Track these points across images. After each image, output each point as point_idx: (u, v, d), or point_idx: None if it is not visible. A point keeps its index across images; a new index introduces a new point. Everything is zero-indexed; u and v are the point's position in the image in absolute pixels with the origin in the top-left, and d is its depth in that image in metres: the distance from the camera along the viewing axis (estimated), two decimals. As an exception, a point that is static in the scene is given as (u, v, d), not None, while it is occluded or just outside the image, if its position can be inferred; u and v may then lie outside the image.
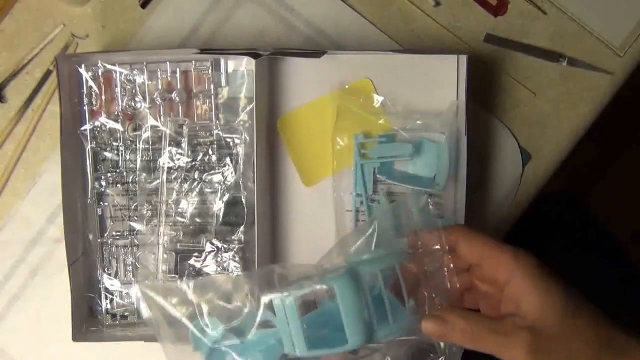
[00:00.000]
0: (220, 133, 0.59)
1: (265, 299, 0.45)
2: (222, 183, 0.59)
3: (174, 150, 0.59)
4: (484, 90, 0.62)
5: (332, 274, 0.45)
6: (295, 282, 0.46)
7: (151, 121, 0.59)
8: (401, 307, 0.45)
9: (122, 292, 0.60)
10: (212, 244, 0.59)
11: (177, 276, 0.60)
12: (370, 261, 0.46)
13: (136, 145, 0.59)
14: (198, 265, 0.60)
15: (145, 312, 0.49)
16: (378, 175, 0.59)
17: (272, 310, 0.45)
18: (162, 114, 0.59)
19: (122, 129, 0.59)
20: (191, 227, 0.59)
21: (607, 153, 1.24)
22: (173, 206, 0.59)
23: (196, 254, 0.60)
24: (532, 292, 0.41)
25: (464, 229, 0.46)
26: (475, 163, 0.60)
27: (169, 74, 0.59)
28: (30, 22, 0.62)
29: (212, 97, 0.59)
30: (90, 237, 0.59)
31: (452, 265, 0.46)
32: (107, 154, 0.59)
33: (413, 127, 0.58)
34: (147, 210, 0.59)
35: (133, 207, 0.60)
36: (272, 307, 0.45)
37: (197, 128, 0.59)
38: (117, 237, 0.60)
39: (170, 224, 0.59)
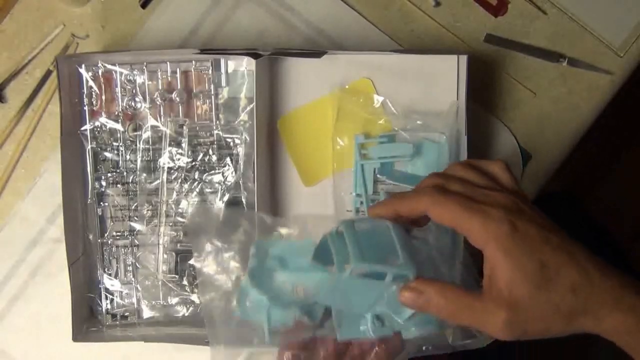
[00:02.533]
0: (220, 133, 0.59)
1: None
2: (222, 183, 0.59)
3: (174, 150, 0.59)
4: (484, 90, 0.62)
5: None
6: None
7: (151, 121, 0.59)
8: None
9: (122, 292, 0.60)
10: (212, 243, 0.59)
11: (177, 276, 0.60)
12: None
13: (136, 145, 0.59)
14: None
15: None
16: (378, 175, 0.59)
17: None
18: (162, 114, 0.59)
19: (122, 129, 0.59)
20: (191, 227, 0.60)
21: (607, 153, 1.24)
22: (173, 206, 0.59)
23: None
24: (503, 264, 0.38)
25: (433, 196, 0.41)
26: (475, 163, 0.60)
27: (169, 74, 0.59)
28: (30, 22, 0.62)
29: (212, 97, 0.59)
30: (90, 237, 0.59)
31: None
32: (107, 154, 0.59)
33: (413, 127, 0.58)
34: (147, 210, 0.59)
35: (133, 207, 0.60)
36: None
37: (197, 128, 0.59)
38: (117, 237, 0.60)
39: (170, 224, 0.59)
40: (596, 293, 0.39)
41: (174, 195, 0.59)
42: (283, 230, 0.47)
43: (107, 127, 0.59)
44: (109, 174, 0.59)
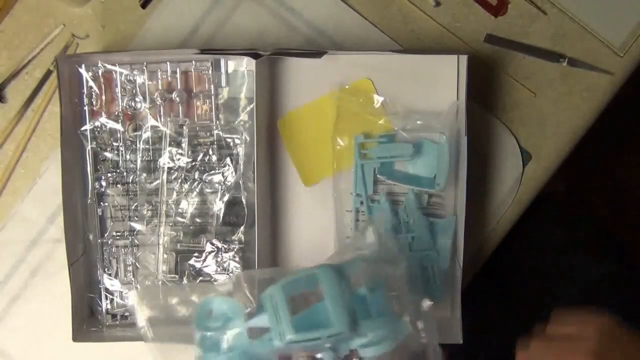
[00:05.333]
0: (220, 133, 0.59)
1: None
2: (222, 183, 0.59)
3: (174, 150, 0.59)
4: (484, 90, 0.62)
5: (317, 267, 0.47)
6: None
7: (151, 121, 0.59)
8: (386, 309, 0.47)
9: (122, 292, 0.60)
10: (212, 244, 0.59)
11: (177, 276, 0.60)
12: (353, 264, 0.48)
13: (136, 145, 0.59)
14: (198, 265, 0.60)
15: (141, 313, 0.50)
16: (378, 175, 0.59)
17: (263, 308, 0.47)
18: (162, 114, 0.59)
19: (122, 129, 0.59)
20: (191, 227, 0.59)
21: (607, 153, 1.24)
22: (173, 206, 0.59)
23: (196, 254, 0.60)
24: None
25: None
26: (475, 163, 0.60)
27: (169, 74, 0.59)
28: (30, 22, 0.62)
29: (212, 97, 0.59)
30: (90, 237, 0.59)
31: None
32: (107, 154, 0.59)
33: (413, 127, 0.58)
34: (147, 210, 0.59)
35: (133, 207, 0.60)
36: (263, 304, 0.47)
37: (197, 128, 0.59)
38: (117, 237, 0.60)
39: (170, 224, 0.59)
40: None
41: (174, 195, 0.59)
42: (223, 288, 0.52)
43: (107, 127, 0.59)
44: (109, 174, 0.59)
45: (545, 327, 0.54)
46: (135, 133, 0.59)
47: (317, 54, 0.57)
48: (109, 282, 0.60)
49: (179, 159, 0.59)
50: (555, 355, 0.51)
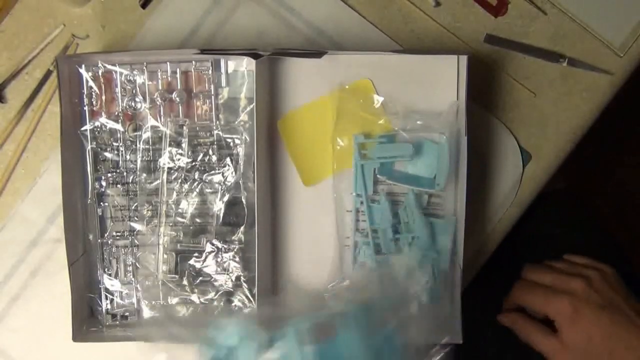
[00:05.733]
0: (220, 133, 0.59)
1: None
2: (222, 183, 0.59)
3: (174, 150, 0.59)
4: (484, 90, 0.62)
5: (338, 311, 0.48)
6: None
7: (151, 121, 0.59)
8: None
9: (122, 292, 0.60)
10: (212, 244, 0.59)
11: (177, 276, 0.60)
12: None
13: (136, 145, 0.59)
14: (198, 265, 0.60)
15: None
16: (378, 175, 0.59)
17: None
18: (162, 114, 0.59)
19: (122, 129, 0.59)
20: (191, 227, 0.59)
21: (607, 153, 1.24)
22: (173, 206, 0.59)
23: (196, 254, 0.60)
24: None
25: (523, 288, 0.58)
26: (475, 163, 0.60)
27: (169, 74, 0.59)
28: (30, 22, 0.62)
29: (212, 97, 0.59)
30: (90, 237, 0.59)
31: None
32: (107, 154, 0.59)
33: (413, 127, 0.58)
34: (147, 210, 0.59)
35: (133, 207, 0.60)
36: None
37: (197, 128, 0.59)
38: (117, 237, 0.60)
39: (170, 224, 0.59)
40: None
41: (174, 196, 0.59)
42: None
43: (107, 127, 0.59)
44: (109, 174, 0.59)
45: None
46: (135, 133, 0.59)
47: (317, 54, 0.57)
48: (109, 282, 0.60)
49: (179, 159, 0.59)
50: (553, 279, 0.56)
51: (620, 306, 0.53)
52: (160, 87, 0.59)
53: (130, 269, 0.60)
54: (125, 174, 0.59)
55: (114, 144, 0.59)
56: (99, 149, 0.59)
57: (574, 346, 0.53)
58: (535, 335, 0.55)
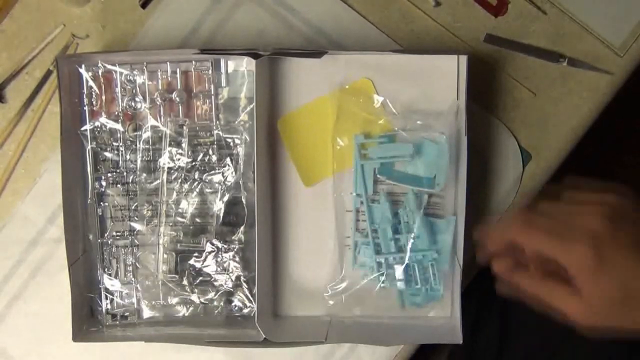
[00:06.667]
0: (220, 133, 0.59)
1: None
2: (222, 183, 0.59)
3: (174, 150, 0.59)
4: (484, 90, 0.62)
5: None
6: None
7: (151, 121, 0.59)
8: None
9: (122, 292, 0.60)
10: (212, 244, 0.59)
11: (177, 276, 0.60)
12: None
13: (136, 145, 0.59)
14: (198, 265, 0.60)
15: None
16: (378, 175, 0.59)
17: None
18: (162, 114, 0.59)
19: (122, 129, 0.59)
20: (191, 227, 0.60)
21: (607, 153, 1.24)
22: (173, 206, 0.59)
23: (196, 254, 0.60)
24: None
25: (519, 225, 0.46)
26: (475, 163, 0.60)
27: (169, 74, 0.59)
28: (30, 22, 0.62)
29: (212, 97, 0.59)
30: (90, 237, 0.59)
31: None
32: (107, 154, 0.59)
33: (413, 127, 0.58)
34: (147, 210, 0.59)
35: (133, 207, 0.60)
36: None
37: (197, 128, 0.59)
38: (117, 237, 0.60)
39: (170, 224, 0.59)
40: None
41: (174, 195, 0.59)
42: None
43: (107, 127, 0.59)
44: (109, 174, 0.59)
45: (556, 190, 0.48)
46: (135, 133, 0.59)
47: (317, 54, 0.57)
48: (109, 282, 0.60)
49: (179, 159, 0.59)
50: (565, 215, 0.45)
51: None
52: (160, 87, 0.59)
53: (130, 269, 0.60)
54: (125, 174, 0.59)
55: (114, 144, 0.59)
56: (99, 149, 0.59)
57: (601, 305, 0.43)
58: (557, 293, 0.44)
